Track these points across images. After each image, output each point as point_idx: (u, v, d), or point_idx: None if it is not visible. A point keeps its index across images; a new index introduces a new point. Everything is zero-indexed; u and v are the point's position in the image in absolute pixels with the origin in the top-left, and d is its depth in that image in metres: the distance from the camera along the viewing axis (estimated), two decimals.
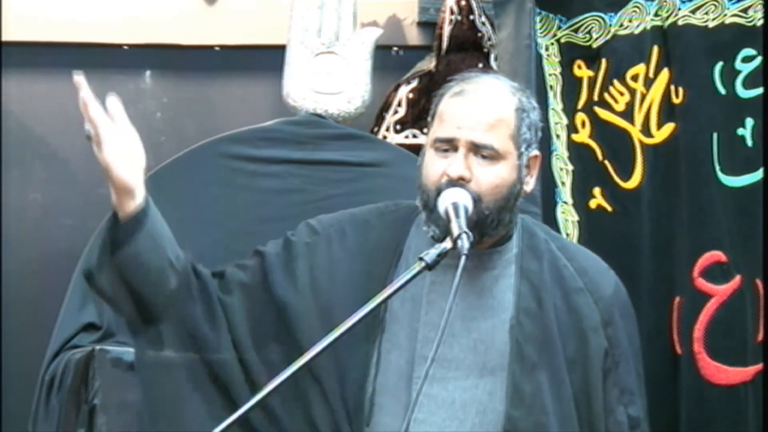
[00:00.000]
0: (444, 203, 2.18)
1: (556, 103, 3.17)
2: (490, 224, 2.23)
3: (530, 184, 2.30)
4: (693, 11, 3.08)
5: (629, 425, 2.32)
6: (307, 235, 2.36)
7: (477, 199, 2.19)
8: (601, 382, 2.29)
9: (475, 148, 2.22)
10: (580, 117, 3.16)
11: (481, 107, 2.24)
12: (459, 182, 2.19)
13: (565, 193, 3.15)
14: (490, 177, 2.22)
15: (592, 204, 3.14)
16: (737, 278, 3.03)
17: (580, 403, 2.26)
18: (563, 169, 3.16)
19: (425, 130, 2.47)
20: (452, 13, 3.57)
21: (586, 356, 2.28)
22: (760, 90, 3.04)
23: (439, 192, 2.20)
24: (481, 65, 3.54)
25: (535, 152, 2.30)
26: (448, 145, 2.22)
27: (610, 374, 2.31)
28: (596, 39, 3.16)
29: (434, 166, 2.23)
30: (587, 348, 2.29)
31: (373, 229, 2.34)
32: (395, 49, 3.79)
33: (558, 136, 3.17)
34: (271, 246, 2.37)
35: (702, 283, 3.03)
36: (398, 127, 3.58)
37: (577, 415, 2.25)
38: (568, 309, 2.30)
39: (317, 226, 2.38)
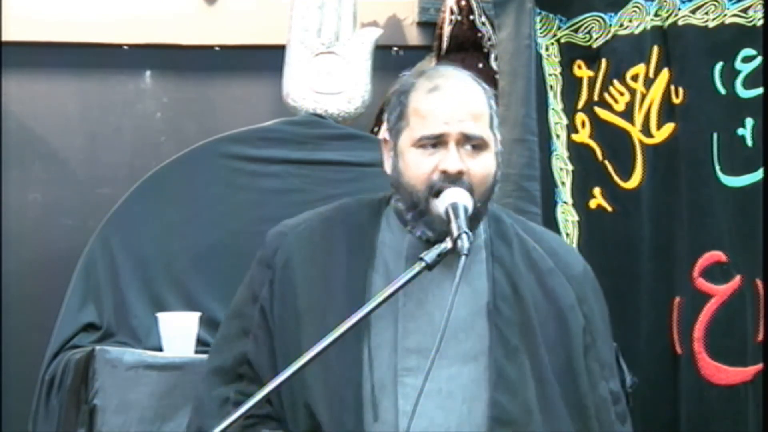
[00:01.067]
0: (443, 204, 2.17)
1: (556, 103, 3.17)
2: (480, 215, 2.25)
3: (500, 170, 2.32)
4: (693, 11, 3.08)
5: (612, 399, 2.33)
6: (274, 248, 2.33)
7: (470, 191, 2.19)
8: (582, 359, 2.29)
9: (465, 141, 2.22)
10: (580, 117, 3.16)
11: (463, 100, 2.24)
12: (457, 177, 2.19)
13: (565, 193, 3.15)
14: (480, 168, 2.22)
15: (592, 204, 3.14)
16: (737, 278, 3.03)
17: (564, 383, 2.26)
18: (563, 169, 3.16)
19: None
20: (452, 13, 3.57)
21: (567, 336, 2.29)
22: (760, 90, 3.04)
23: (431, 190, 2.19)
24: (481, 65, 3.54)
25: (500, 137, 2.32)
26: (436, 141, 2.22)
27: (590, 350, 2.31)
28: (596, 39, 3.16)
29: (421, 165, 2.21)
30: (567, 328, 2.29)
31: (342, 224, 2.33)
32: (395, 49, 3.79)
33: (558, 136, 3.17)
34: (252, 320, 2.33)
35: (702, 283, 3.03)
36: None
37: (563, 394, 2.25)
38: (543, 291, 2.31)
39: (283, 229, 2.37)
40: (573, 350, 2.29)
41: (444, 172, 2.19)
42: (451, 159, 2.19)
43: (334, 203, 2.41)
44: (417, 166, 2.22)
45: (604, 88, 3.14)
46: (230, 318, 2.38)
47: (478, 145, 2.23)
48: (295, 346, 2.16)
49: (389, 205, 2.33)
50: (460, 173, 2.19)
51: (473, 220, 2.20)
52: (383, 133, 2.37)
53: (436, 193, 2.19)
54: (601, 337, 2.35)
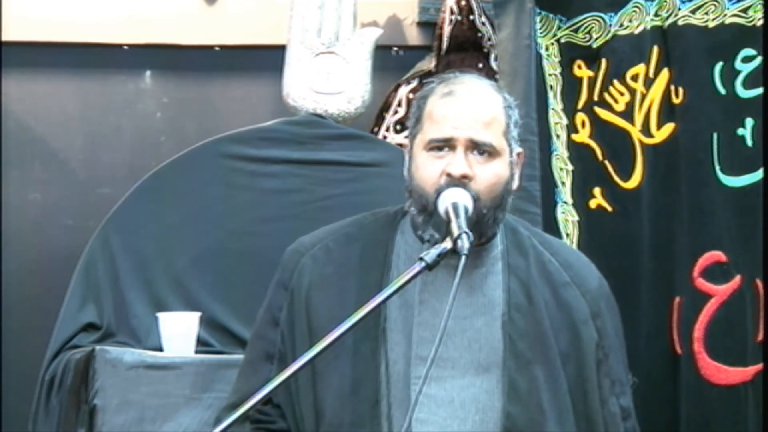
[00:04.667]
0: (444, 203, 2.17)
1: (556, 103, 3.17)
2: (488, 223, 2.24)
3: (516, 180, 2.32)
4: (693, 11, 3.08)
5: (622, 416, 2.33)
6: (290, 270, 2.34)
7: (476, 198, 2.19)
8: (594, 374, 2.30)
9: (473, 146, 2.22)
10: (580, 117, 3.16)
11: (476, 106, 2.25)
12: (461, 181, 2.19)
13: (565, 193, 3.15)
14: (488, 175, 2.23)
15: (592, 204, 3.14)
16: (737, 278, 3.03)
17: (575, 396, 2.26)
18: (563, 169, 3.16)
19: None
20: (452, 13, 3.57)
21: (579, 349, 2.29)
22: (760, 90, 3.04)
23: (438, 193, 2.19)
24: (481, 65, 3.55)
25: (519, 149, 2.32)
26: (445, 145, 2.22)
27: (602, 365, 2.32)
28: (596, 39, 3.16)
29: (430, 168, 2.22)
30: (579, 341, 2.30)
31: (357, 241, 2.34)
32: (395, 49, 3.79)
33: (558, 136, 3.17)
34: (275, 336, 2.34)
35: (702, 283, 3.03)
36: (398, 127, 3.58)
37: (573, 408, 2.26)
38: (557, 303, 2.31)
39: (300, 248, 2.37)
40: (585, 364, 2.29)
41: (449, 176, 2.19)
42: (457, 163, 2.20)
43: (350, 218, 2.41)
44: (426, 169, 2.23)
45: (604, 88, 3.14)
46: (253, 341, 2.39)
47: (487, 152, 2.23)
48: (308, 366, 2.15)
49: (405, 216, 2.33)
50: (464, 177, 2.19)
51: (477, 226, 2.20)
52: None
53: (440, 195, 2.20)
54: (614, 352, 2.35)
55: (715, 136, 3.06)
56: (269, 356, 2.32)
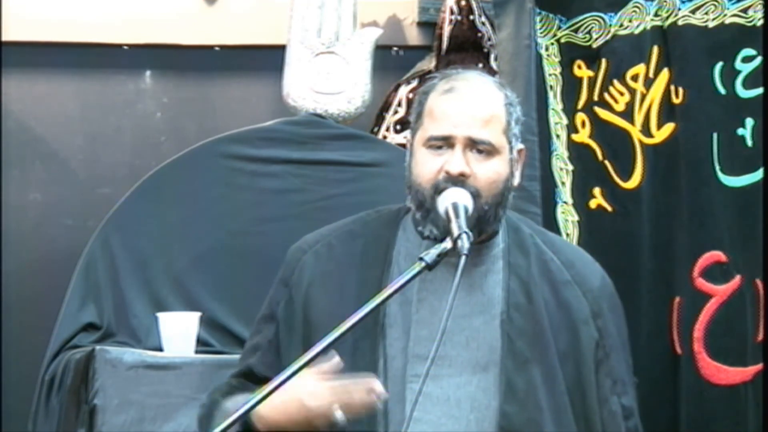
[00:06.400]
0: (444, 203, 2.18)
1: (556, 103, 3.17)
2: (488, 220, 2.24)
3: (517, 177, 2.32)
4: (693, 11, 3.08)
5: (623, 415, 2.33)
6: (292, 267, 2.35)
7: (476, 195, 2.20)
8: (593, 373, 2.29)
9: (472, 144, 2.22)
10: (580, 117, 3.16)
11: (475, 103, 2.25)
12: (459, 179, 2.19)
13: (565, 193, 3.15)
14: (488, 172, 2.23)
15: (592, 204, 3.14)
16: (737, 278, 3.03)
17: (573, 395, 2.26)
18: (563, 169, 3.16)
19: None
20: (452, 13, 3.57)
21: (578, 349, 2.29)
22: (760, 90, 3.04)
23: (436, 190, 2.20)
24: (481, 65, 3.55)
25: (521, 145, 2.32)
26: (443, 143, 2.22)
27: (602, 365, 2.31)
28: (596, 39, 3.15)
29: (428, 165, 2.23)
30: (578, 340, 2.29)
31: (359, 237, 2.34)
32: (395, 49, 3.80)
33: (558, 136, 3.17)
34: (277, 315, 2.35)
35: (702, 283, 3.03)
36: (398, 127, 3.58)
37: (571, 408, 2.25)
38: (557, 302, 2.31)
39: (303, 245, 2.38)
40: (583, 364, 2.28)
41: (447, 173, 2.20)
42: (455, 161, 2.20)
43: (354, 216, 2.41)
44: (424, 166, 2.23)
45: (604, 88, 3.14)
46: (251, 334, 2.41)
47: (486, 150, 2.23)
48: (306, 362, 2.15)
49: (407, 214, 2.33)
50: (462, 175, 2.19)
51: (478, 223, 2.20)
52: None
53: (440, 193, 2.20)
54: (616, 352, 2.34)
55: (715, 136, 3.06)
56: (257, 349, 2.33)
